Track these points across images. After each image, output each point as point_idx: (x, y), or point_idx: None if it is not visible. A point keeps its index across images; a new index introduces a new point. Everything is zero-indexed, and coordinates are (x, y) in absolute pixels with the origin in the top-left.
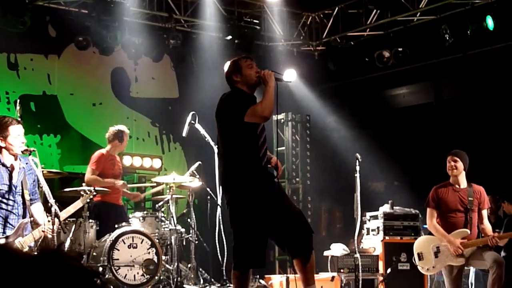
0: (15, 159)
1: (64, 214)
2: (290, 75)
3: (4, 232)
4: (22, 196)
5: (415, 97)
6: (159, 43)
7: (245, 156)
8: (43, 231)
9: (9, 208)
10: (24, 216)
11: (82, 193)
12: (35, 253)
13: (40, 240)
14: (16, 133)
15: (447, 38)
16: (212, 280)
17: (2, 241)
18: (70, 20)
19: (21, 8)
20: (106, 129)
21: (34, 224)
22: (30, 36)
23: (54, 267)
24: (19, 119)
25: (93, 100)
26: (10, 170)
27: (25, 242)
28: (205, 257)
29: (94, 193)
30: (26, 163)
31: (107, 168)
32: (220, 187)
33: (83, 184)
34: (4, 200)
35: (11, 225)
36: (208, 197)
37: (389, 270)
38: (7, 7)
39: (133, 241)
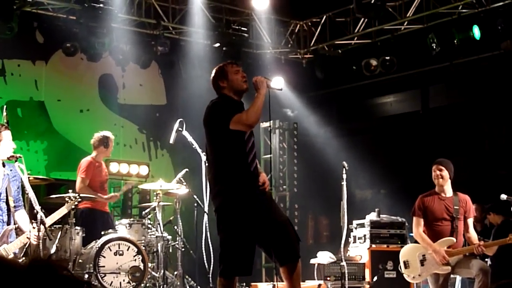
0: None
1: (49, 220)
2: (279, 83)
3: None
4: (7, 202)
5: (402, 106)
6: (147, 50)
7: (233, 163)
8: (27, 238)
9: None
10: (8, 223)
11: (67, 199)
12: (21, 260)
13: (25, 247)
14: (8, 138)
15: (434, 47)
16: (198, 287)
17: None
18: (58, 26)
19: (9, 13)
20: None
21: (19, 231)
22: (17, 42)
23: (46, 278)
24: (6, 125)
25: (80, 106)
26: None
27: (10, 249)
28: (191, 264)
29: (79, 199)
30: (11, 170)
31: (95, 175)
32: (210, 192)
33: (70, 191)
34: None
35: None
36: (195, 205)
37: (375, 278)
38: None
39: (119, 248)
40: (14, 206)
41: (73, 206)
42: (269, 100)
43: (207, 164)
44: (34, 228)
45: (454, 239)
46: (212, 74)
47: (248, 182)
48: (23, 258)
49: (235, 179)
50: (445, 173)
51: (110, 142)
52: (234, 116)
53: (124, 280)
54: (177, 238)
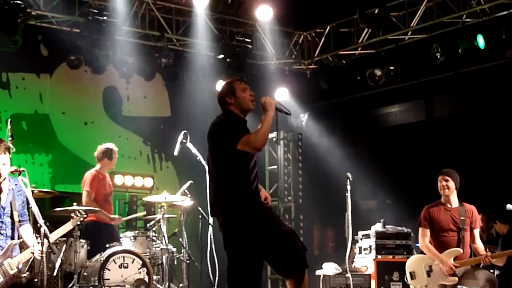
0: (3, 180)
1: (54, 235)
2: (275, 96)
3: None
4: (11, 217)
5: (407, 115)
6: (151, 62)
7: (237, 181)
8: (32, 253)
9: None
10: (12, 238)
11: (72, 215)
12: (25, 275)
13: (29, 262)
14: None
15: (438, 56)
16: None
17: None
18: (62, 39)
19: (13, 27)
20: None
21: (24, 245)
22: (22, 55)
23: None
24: (10, 139)
25: (85, 119)
26: None
27: (13, 263)
28: (196, 276)
29: (85, 215)
30: (16, 184)
31: (100, 188)
32: (210, 207)
33: (74, 203)
34: None
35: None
36: (200, 216)
37: None
38: None
39: (124, 260)
40: (19, 221)
41: (78, 223)
42: (277, 114)
43: (209, 177)
44: (38, 243)
45: (461, 250)
46: (220, 90)
47: (251, 198)
48: (27, 273)
49: (238, 195)
50: (451, 183)
51: (114, 154)
52: (242, 137)
53: None
54: (182, 250)
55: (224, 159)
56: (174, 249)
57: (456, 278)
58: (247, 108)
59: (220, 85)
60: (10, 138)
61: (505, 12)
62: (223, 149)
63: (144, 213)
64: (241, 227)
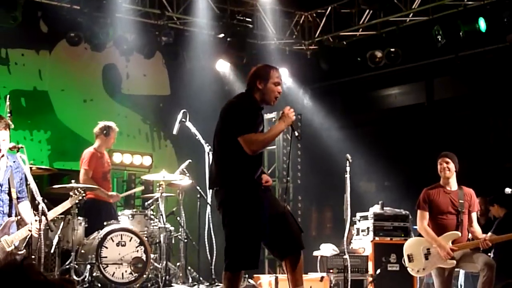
0: (1, 157)
1: (52, 214)
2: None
3: None
4: (9, 194)
5: (407, 98)
6: (151, 40)
7: (241, 163)
8: (29, 230)
9: None
10: (10, 215)
11: (71, 193)
12: (22, 252)
13: (27, 239)
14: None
15: (440, 39)
16: (201, 279)
17: None
18: (62, 16)
19: (12, 3)
20: None
21: (22, 222)
22: (21, 31)
23: (18, 283)
24: (9, 115)
25: (84, 96)
26: None
27: (10, 240)
28: (194, 255)
29: (84, 194)
30: (14, 161)
31: (98, 166)
32: (210, 182)
33: (73, 181)
34: None
35: None
36: (198, 196)
37: (378, 271)
38: None
39: (121, 239)
40: (17, 198)
41: (77, 201)
42: (291, 140)
43: (211, 154)
44: (36, 220)
45: (459, 233)
46: (255, 69)
47: (253, 181)
48: (24, 250)
49: (240, 177)
50: (452, 165)
51: (112, 132)
52: (247, 134)
53: (126, 271)
54: (180, 229)
55: (232, 140)
56: (172, 228)
57: (454, 262)
58: (268, 101)
59: (220, 64)
60: (8, 115)
61: None
62: (231, 132)
63: (142, 187)
64: (240, 208)
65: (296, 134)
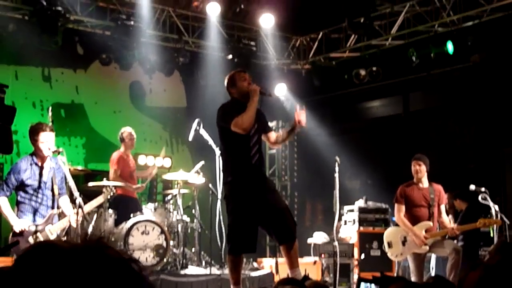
0: (46, 159)
1: (88, 207)
2: (275, 91)
3: (34, 220)
4: (52, 190)
5: (387, 109)
6: (170, 61)
7: (236, 157)
8: (68, 221)
9: (39, 200)
10: (52, 208)
11: (103, 190)
12: (62, 239)
13: (66, 229)
14: (45, 139)
15: (414, 59)
16: (213, 262)
17: (33, 228)
18: (95, 40)
19: (54, 29)
20: None
21: (62, 214)
22: (61, 53)
23: (97, 258)
24: (51, 123)
25: (114, 108)
26: (41, 169)
27: (53, 230)
28: (206, 242)
29: (114, 190)
30: (56, 163)
31: (125, 166)
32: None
33: (104, 179)
34: (35, 194)
35: (42, 215)
36: (210, 192)
37: (362, 256)
38: (42, 29)
39: (145, 228)
40: (59, 193)
41: (108, 197)
42: (260, 104)
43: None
44: (74, 213)
45: (431, 223)
46: (226, 81)
47: (249, 174)
48: (64, 238)
49: (237, 171)
50: (423, 167)
51: (125, 137)
52: (233, 119)
53: (149, 256)
54: (195, 221)
55: (227, 138)
56: (188, 219)
57: (427, 247)
58: (245, 93)
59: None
60: (50, 124)
61: (470, 23)
62: (223, 130)
63: (156, 169)
64: (237, 200)
65: (269, 93)
